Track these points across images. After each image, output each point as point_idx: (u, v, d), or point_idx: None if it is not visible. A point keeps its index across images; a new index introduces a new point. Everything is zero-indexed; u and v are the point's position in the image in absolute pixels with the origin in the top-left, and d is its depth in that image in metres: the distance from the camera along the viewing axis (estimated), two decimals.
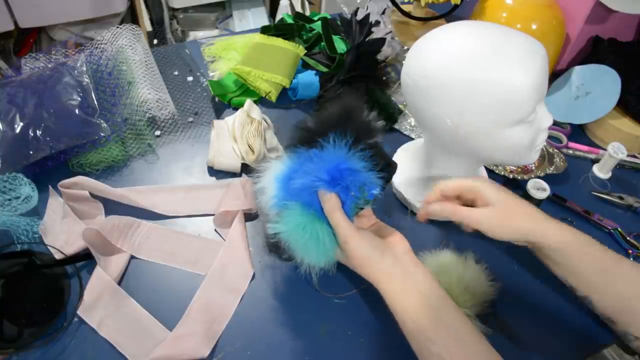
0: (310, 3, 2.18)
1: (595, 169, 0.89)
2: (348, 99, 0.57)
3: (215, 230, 0.74)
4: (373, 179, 0.54)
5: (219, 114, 0.93)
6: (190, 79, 1.00)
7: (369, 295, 0.67)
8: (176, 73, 1.01)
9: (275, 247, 0.68)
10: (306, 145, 0.56)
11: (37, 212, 0.73)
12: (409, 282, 0.52)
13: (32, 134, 0.76)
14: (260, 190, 0.58)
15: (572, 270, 0.57)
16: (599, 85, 0.90)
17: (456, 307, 0.52)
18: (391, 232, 0.57)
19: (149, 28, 2.03)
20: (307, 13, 1.43)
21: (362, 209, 0.57)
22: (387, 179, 0.56)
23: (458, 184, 0.59)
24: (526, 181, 0.77)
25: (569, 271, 0.57)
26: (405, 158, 0.81)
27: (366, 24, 0.97)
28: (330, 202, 0.53)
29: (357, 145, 0.54)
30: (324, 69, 0.96)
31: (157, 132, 0.88)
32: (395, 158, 0.82)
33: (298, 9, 2.12)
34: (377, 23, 1.03)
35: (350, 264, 0.56)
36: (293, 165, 0.56)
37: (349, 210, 0.54)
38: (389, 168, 0.56)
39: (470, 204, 0.60)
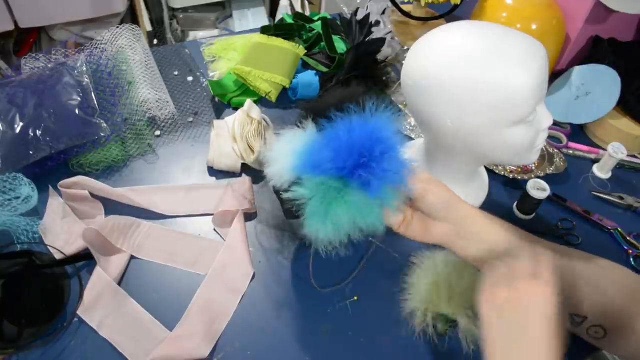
0: (310, 3, 2.18)
1: (595, 169, 0.89)
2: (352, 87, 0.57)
3: (215, 230, 0.74)
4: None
5: (219, 114, 0.93)
6: (190, 79, 1.00)
7: (370, 296, 0.67)
8: (176, 73, 1.01)
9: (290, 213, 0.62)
10: (315, 120, 0.54)
11: (37, 212, 0.73)
12: None
13: (32, 134, 0.76)
14: (274, 158, 0.54)
15: (490, 244, 0.55)
16: (599, 85, 0.90)
17: None
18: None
19: (149, 28, 2.03)
20: (307, 13, 1.43)
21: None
22: None
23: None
24: (526, 181, 0.77)
25: (485, 245, 0.55)
26: None
27: (366, 24, 0.97)
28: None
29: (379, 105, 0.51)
30: (324, 69, 0.96)
31: (157, 132, 0.88)
32: None
33: (298, 9, 2.12)
34: (377, 23, 1.03)
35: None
36: (317, 138, 0.53)
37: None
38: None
39: None
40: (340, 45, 1.00)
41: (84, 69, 0.83)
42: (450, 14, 1.11)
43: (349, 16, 1.02)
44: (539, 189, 0.75)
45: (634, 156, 0.91)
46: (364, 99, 0.53)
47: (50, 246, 0.68)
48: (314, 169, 0.51)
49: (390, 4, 1.10)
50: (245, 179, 0.80)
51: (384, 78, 1.02)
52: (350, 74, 0.92)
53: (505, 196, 0.82)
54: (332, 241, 0.51)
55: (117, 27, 0.91)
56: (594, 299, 0.54)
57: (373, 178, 0.49)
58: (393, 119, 0.51)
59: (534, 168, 0.85)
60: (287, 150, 0.54)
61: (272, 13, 2.28)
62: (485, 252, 0.56)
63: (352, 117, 0.51)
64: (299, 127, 0.55)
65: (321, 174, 0.50)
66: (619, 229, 0.78)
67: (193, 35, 2.19)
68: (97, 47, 0.89)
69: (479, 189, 0.80)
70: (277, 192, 0.60)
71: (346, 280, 0.68)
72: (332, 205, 0.50)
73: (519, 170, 0.85)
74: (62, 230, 0.70)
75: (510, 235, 0.55)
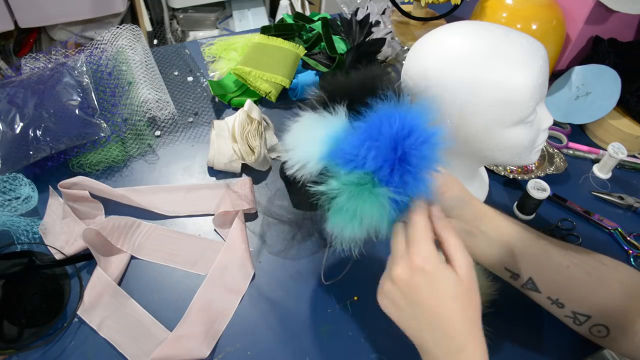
0: (310, 3, 2.17)
1: (596, 169, 0.89)
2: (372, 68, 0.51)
3: (215, 230, 0.74)
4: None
5: (219, 114, 0.93)
6: (190, 79, 1.00)
7: (370, 296, 0.67)
8: (176, 73, 1.01)
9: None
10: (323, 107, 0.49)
11: (37, 212, 0.73)
12: None
13: (32, 134, 0.76)
14: (295, 144, 0.49)
15: (502, 241, 0.55)
16: (599, 85, 0.90)
17: None
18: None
19: (149, 28, 2.04)
20: (307, 13, 1.43)
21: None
22: None
23: None
24: (526, 181, 0.77)
25: (497, 243, 0.55)
26: None
27: (366, 24, 0.97)
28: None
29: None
30: (324, 69, 0.96)
31: (157, 132, 0.88)
32: None
33: (298, 9, 2.11)
34: (377, 23, 1.03)
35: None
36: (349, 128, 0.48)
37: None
38: None
39: None
40: (340, 45, 1.00)
41: (84, 69, 0.83)
42: (450, 14, 1.11)
43: (349, 16, 1.02)
44: (539, 189, 0.75)
45: (634, 156, 0.91)
46: (389, 83, 0.49)
47: (50, 246, 0.68)
48: (347, 162, 0.46)
49: (390, 4, 1.10)
50: (246, 179, 0.80)
51: None
52: None
53: (505, 196, 0.82)
54: (357, 239, 0.48)
55: (117, 27, 0.91)
56: (598, 295, 0.54)
57: (411, 177, 0.46)
58: (427, 107, 0.46)
59: (534, 168, 0.85)
60: (312, 136, 0.48)
61: (272, 13, 2.28)
62: (496, 250, 0.56)
63: (390, 106, 0.46)
64: (324, 110, 0.50)
65: (356, 169, 0.46)
66: (619, 229, 0.78)
67: (193, 35, 2.19)
68: (97, 47, 0.89)
69: (479, 189, 0.80)
70: (289, 180, 0.54)
71: (343, 271, 0.67)
72: (363, 203, 0.46)
73: (519, 170, 0.85)
74: (62, 230, 0.70)
75: (523, 234, 0.56)
